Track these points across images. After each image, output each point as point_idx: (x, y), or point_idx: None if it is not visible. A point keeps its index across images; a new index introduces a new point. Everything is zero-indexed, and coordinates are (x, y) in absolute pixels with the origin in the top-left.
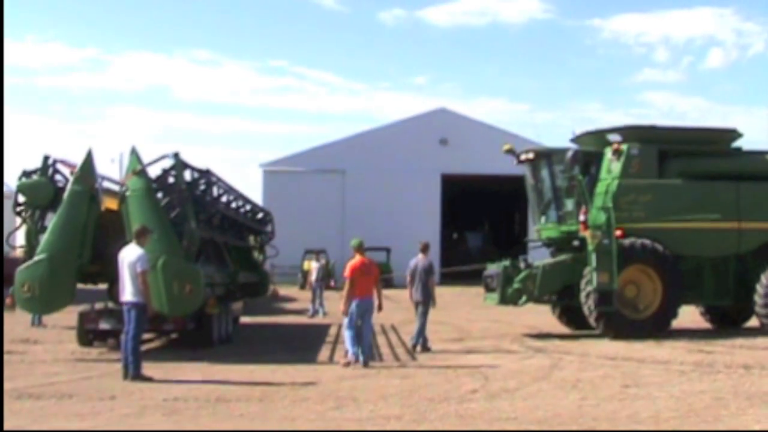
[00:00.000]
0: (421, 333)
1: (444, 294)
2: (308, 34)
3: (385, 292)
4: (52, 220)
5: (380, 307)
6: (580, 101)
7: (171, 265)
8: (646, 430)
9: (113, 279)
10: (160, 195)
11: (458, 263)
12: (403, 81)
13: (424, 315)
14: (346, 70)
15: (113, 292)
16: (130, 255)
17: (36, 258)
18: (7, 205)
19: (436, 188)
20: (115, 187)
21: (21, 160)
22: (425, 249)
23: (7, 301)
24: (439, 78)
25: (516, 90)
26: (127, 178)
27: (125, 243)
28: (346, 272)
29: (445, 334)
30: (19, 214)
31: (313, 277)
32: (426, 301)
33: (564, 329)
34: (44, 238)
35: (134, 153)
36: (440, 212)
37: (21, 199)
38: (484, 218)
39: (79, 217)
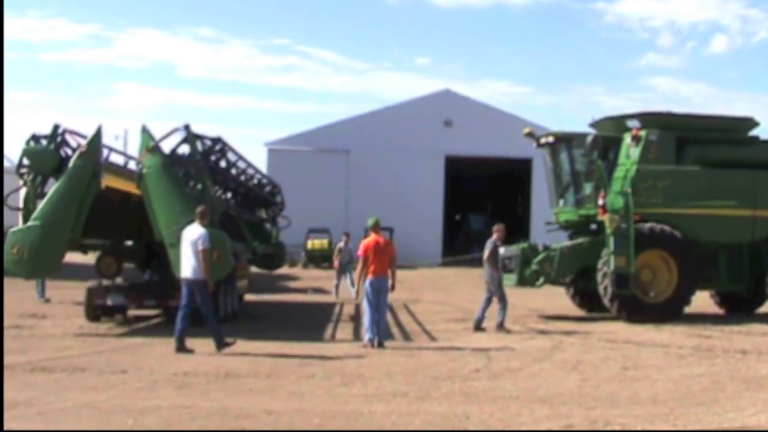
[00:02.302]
0: (484, 311)
1: (447, 275)
2: (312, 13)
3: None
4: (51, 189)
5: (393, 287)
6: (584, 85)
7: None
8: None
9: (103, 253)
10: (176, 168)
11: (461, 245)
12: (406, 61)
13: (487, 293)
14: (349, 50)
15: (100, 267)
16: (191, 234)
17: (30, 223)
18: (8, 180)
19: (439, 169)
20: (120, 163)
21: (23, 136)
22: (498, 231)
23: None
24: (442, 59)
25: (520, 72)
26: (141, 157)
27: (128, 220)
28: (360, 251)
29: (449, 315)
30: (21, 176)
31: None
32: (490, 280)
33: (568, 312)
34: (41, 206)
35: (145, 131)
36: (443, 193)
37: (25, 162)
38: (487, 200)
39: (78, 191)
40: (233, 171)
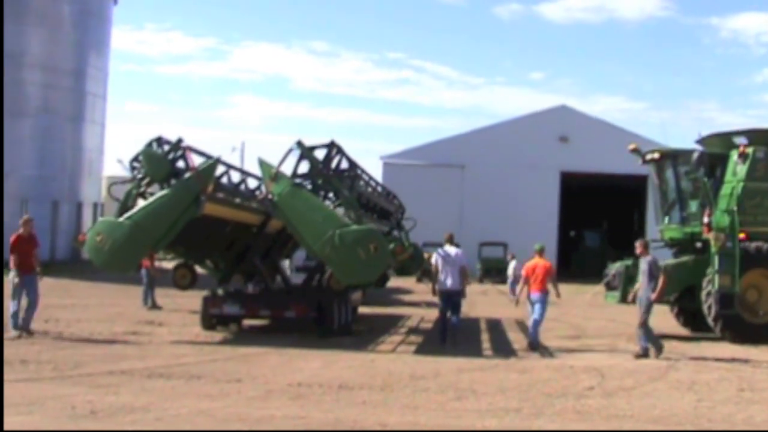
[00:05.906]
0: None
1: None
2: (425, 27)
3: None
4: (154, 197)
5: (558, 295)
6: (698, 101)
7: (347, 235)
8: None
9: (179, 264)
10: (304, 185)
11: (575, 262)
12: (519, 76)
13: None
14: (463, 64)
15: (175, 277)
16: (451, 253)
17: (122, 219)
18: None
19: (554, 185)
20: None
21: (138, 148)
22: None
23: (80, 237)
24: (555, 74)
25: (633, 88)
26: (268, 188)
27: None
28: (523, 271)
29: (562, 332)
30: (132, 169)
31: (510, 279)
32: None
33: (681, 330)
34: (139, 208)
35: (263, 163)
36: (558, 210)
37: (140, 159)
38: (602, 217)
39: (175, 210)
40: (355, 171)
